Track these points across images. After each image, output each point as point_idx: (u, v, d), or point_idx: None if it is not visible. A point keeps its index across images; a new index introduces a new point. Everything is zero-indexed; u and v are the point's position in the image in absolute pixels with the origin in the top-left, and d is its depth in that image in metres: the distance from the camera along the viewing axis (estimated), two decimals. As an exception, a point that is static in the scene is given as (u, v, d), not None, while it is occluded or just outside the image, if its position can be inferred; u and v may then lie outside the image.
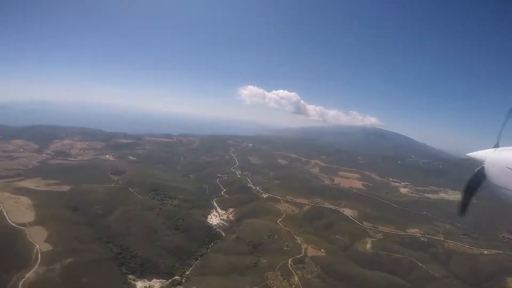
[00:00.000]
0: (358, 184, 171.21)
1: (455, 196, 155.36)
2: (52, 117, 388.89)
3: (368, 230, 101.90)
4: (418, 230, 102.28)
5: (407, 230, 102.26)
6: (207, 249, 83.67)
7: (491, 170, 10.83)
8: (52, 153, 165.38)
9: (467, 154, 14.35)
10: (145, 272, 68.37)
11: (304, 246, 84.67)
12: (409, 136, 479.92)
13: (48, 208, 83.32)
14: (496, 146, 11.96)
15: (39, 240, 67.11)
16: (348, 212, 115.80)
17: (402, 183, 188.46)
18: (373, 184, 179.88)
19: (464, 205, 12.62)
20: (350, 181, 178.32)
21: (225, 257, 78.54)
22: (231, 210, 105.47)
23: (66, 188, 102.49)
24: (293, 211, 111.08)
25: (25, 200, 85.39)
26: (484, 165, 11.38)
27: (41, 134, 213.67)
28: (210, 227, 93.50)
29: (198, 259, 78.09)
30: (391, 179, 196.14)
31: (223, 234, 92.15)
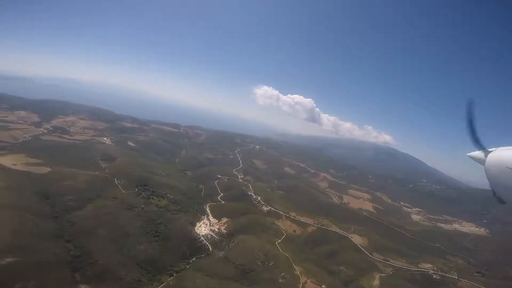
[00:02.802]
0: (368, 206, 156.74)
1: (470, 228, 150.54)
2: (69, 94, 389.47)
3: (377, 263, 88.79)
4: (431, 265, 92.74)
5: (420, 265, 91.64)
6: (187, 264, 70.52)
7: (491, 170, 10.94)
8: (50, 128, 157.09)
9: (467, 154, 14.26)
10: (102, 284, 55.90)
11: (303, 279, 70.04)
12: (420, 158, 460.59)
13: (13, 192, 72.03)
14: (482, 147, 12.55)
15: (-19, 232, 55.63)
16: (357, 239, 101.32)
17: (414, 209, 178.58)
18: (384, 207, 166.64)
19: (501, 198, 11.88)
20: (360, 201, 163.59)
21: (205, 279, 64.89)
22: (224, 220, 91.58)
23: (45, 170, 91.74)
24: (295, 231, 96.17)
25: (-10, 179, 74.68)
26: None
27: (48, 108, 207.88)
28: (195, 238, 79.76)
29: (172, 276, 65.17)
30: (402, 203, 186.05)
31: (210, 249, 78.45)
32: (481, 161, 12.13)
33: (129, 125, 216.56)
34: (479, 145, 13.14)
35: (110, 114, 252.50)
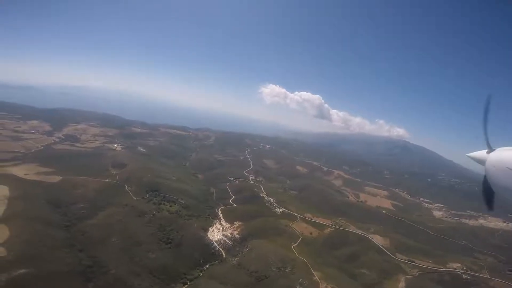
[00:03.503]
0: (387, 204, 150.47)
1: (497, 223, 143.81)
2: (79, 102, 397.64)
3: (402, 265, 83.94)
4: (459, 265, 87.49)
5: (447, 265, 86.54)
6: (200, 272, 68.15)
7: (491, 170, 10.92)
8: (62, 136, 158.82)
9: (467, 155, 14.29)
10: (115, 295, 54.16)
11: (322, 285, 66.04)
12: (436, 151, 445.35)
13: (24, 202, 71.60)
14: (489, 146, 12.29)
15: (-6, 243, 54.87)
16: (378, 239, 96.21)
17: (435, 205, 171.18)
18: (404, 204, 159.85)
19: (489, 203, 12.63)
20: (378, 199, 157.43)
21: (219, 287, 62.27)
22: (237, 224, 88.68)
23: (57, 179, 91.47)
24: (311, 233, 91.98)
25: (2, 190, 74.48)
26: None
27: (59, 117, 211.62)
28: (208, 244, 77.21)
29: (186, 284, 63.13)
30: (421, 199, 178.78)
31: (223, 255, 75.74)
32: (481, 162, 12.08)
33: (138, 130, 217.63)
34: (487, 143, 12.85)
35: (120, 120, 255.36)
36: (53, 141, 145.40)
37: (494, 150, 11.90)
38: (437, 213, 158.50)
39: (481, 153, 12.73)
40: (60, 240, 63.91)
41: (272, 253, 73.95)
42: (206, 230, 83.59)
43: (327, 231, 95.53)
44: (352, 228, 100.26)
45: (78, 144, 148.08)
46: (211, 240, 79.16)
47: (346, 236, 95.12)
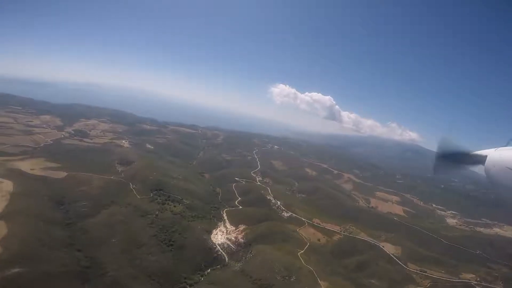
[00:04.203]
0: (398, 210, 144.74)
1: None
2: (92, 98, 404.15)
3: (413, 275, 79.69)
4: (473, 275, 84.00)
5: (460, 276, 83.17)
6: (201, 277, 65.44)
7: (491, 170, 10.99)
8: (72, 131, 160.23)
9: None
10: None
11: (329, 297, 62.07)
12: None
13: (27, 198, 70.91)
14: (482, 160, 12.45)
15: (-10, 241, 53.83)
16: (389, 248, 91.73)
17: (448, 212, 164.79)
18: (416, 210, 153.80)
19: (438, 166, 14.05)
20: (389, 205, 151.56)
21: (221, 294, 59.44)
22: (242, 227, 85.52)
23: (62, 174, 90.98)
24: (319, 240, 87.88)
25: (6, 185, 74.06)
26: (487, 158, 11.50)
27: (71, 112, 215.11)
28: (211, 248, 74.43)
29: (186, 289, 60.24)
30: (434, 205, 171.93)
31: (226, 259, 72.81)
32: (479, 163, 12.35)
33: (148, 127, 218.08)
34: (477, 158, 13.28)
35: (131, 116, 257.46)
36: (62, 136, 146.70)
37: (485, 155, 12.09)
38: (451, 221, 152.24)
39: (482, 153, 12.81)
40: (59, 239, 62.58)
41: (277, 260, 70.43)
42: (210, 232, 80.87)
43: (336, 238, 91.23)
44: (362, 235, 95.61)
45: (87, 140, 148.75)
46: (214, 244, 76.38)
47: (355, 243, 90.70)
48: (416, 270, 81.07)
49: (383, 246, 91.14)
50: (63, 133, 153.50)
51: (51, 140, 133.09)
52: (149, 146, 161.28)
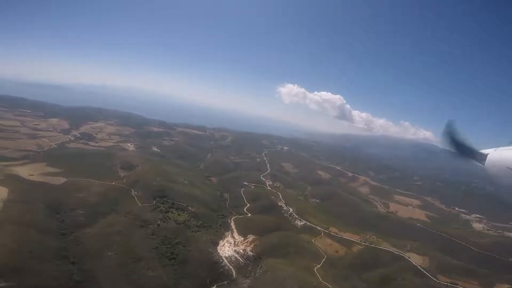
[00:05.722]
0: (420, 215, 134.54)
1: None
2: (105, 101, 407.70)
3: None
4: (508, 286, 75.44)
5: (495, 287, 74.49)
6: (206, 295, 58.42)
7: (491, 170, 11.06)
8: (78, 135, 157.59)
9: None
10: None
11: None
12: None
13: (21, 206, 65.90)
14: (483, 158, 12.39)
15: (-24, 253, 49.02)
16: (415, 258, 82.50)
17: (473, 215, 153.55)
18: (439, 215, 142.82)
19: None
20: (410, 209, 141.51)
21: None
22: (251, 238, 78.10)
23: (61, 180, 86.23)
24: (337, 252, 79.29)
25: (1, 193, 69.47)
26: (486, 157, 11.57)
27: (79, 115, 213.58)
28: (217, 262, 67.40)
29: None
30: (457, 208, 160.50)
31: (234, 275, 65.61)
32: (481, 162, 12.15)
33: (155, 129, 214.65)
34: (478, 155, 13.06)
35: (139, 118, 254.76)
36: (68, 139, 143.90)
37: (486, 154, 11.96)
38: (477, 225, 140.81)
39: (481, 153, 12.70)
40: (53, 250, 57.19)
41: (290, 276, 62.58)
42: (216, 244, 73.90)
43: (355, 249, 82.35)
44: (385, 245, 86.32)
45: (92, 143, 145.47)
46: (221, 257, 69.29)
47: (378, 255, 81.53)
48: (447, 282, 72.33)
49: (409, 257, 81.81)
50: (69, 136, 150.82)
51: (55, 144, 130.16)
52: (155, 149, 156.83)
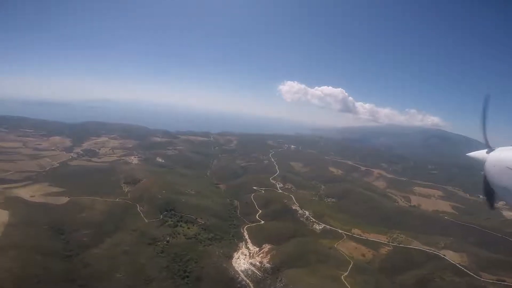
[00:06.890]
0: (445, 206, 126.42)
1: None
2: (107, 115, 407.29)
3: (491, 287, 63.67)
4: None
5: None
6: (226, 316, 52.54)
7: (491, 170, 10.88)
8: (81, 152, 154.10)
9: (467, 154, 14.53)
10: None
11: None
12: (479, 139, 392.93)
13: (23, 229, 62.17)
14: (489, 146, 12.54)
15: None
16: (451, 256, 74.85)
17: (500, 203, 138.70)
18: (465, 205, 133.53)
19: (490, 202, 12.41)
20: (433, 201, 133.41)
21: None
22: (266, 247, 72.08)
23: (64, 200, 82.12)
24: (364, 255, 72.64)
25: (1, 216, 65.70)
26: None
27: (81, 131, 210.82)
28: (233, 277, 61.56)
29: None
30: (481, 196, 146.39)
31: (253, 291, 59.65)
32: (481, 162, 11.99)
33: (159, 139, 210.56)
34: (486, 143, 13.10)
35: (142, 130, 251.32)
36: (70, 157, 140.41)
37: (493, 149, 11.82)
38: (508, 213, 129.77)
39: (481, 153, 12.60)
40: (59, 274, 53.82)
41: (316, 288, 56.40)
42: (230, 257, 68.19)
43: (383, 250, 75.52)
44: (416, 244, 79.24)
45: (95, 159, 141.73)
46: (237, 271, 63.44)
47: (409, 255, 74.69)
48: (493, 280, 65.02)
49: (444, 255, 74.35)
50: (72, 154, 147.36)
51: (57, 163, 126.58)
52: (159, 159, 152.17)
